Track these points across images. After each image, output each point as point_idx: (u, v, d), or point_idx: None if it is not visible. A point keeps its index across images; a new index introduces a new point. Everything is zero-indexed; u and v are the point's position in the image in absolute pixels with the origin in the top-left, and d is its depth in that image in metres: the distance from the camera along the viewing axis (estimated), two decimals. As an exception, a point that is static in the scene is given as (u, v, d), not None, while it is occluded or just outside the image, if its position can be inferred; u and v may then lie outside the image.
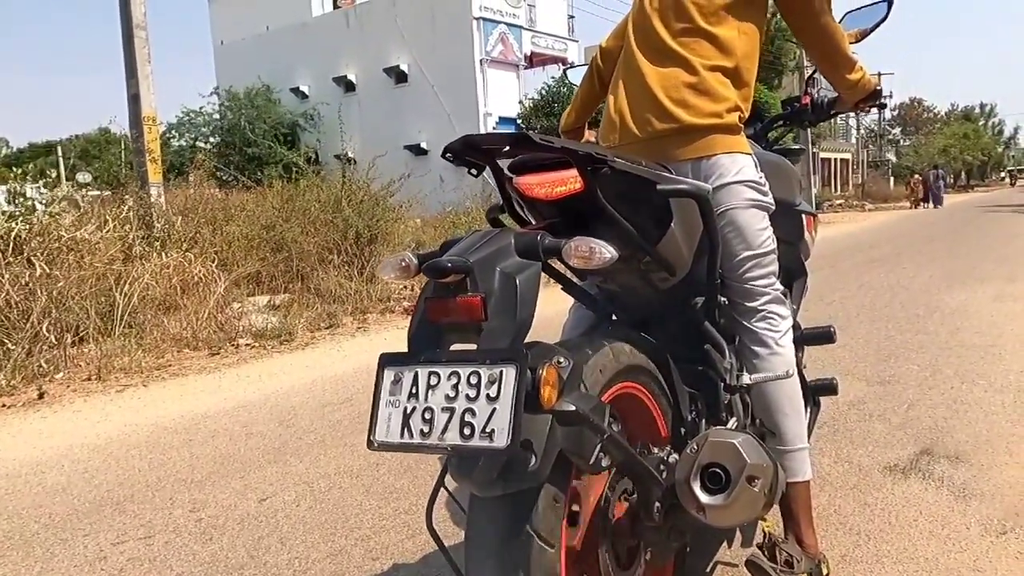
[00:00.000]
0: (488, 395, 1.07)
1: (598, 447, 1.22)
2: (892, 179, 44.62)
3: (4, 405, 4.51)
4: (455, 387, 1.10)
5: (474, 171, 1.45)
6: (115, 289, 6.20)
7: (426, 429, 1.11)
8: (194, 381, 4.86)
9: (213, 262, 7.25)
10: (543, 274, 1.69)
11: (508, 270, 1.16)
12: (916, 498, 2.38)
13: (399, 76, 24.29)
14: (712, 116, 1.68)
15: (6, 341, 5.35)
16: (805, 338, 2.15)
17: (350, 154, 12.99)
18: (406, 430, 1.12)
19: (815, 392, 2.21)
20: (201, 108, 24.78)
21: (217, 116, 24.63)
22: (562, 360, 1.26)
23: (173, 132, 24.64)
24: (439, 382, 1.12)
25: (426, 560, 2.12)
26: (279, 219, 8.40)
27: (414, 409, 1.13)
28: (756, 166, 1.75)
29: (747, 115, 1.78)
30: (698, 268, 1.68)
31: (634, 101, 1.76)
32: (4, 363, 5.14)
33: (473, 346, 1.15)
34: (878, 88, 2.02)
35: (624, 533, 1.45)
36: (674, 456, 1.47)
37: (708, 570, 2.01)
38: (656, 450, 1.49)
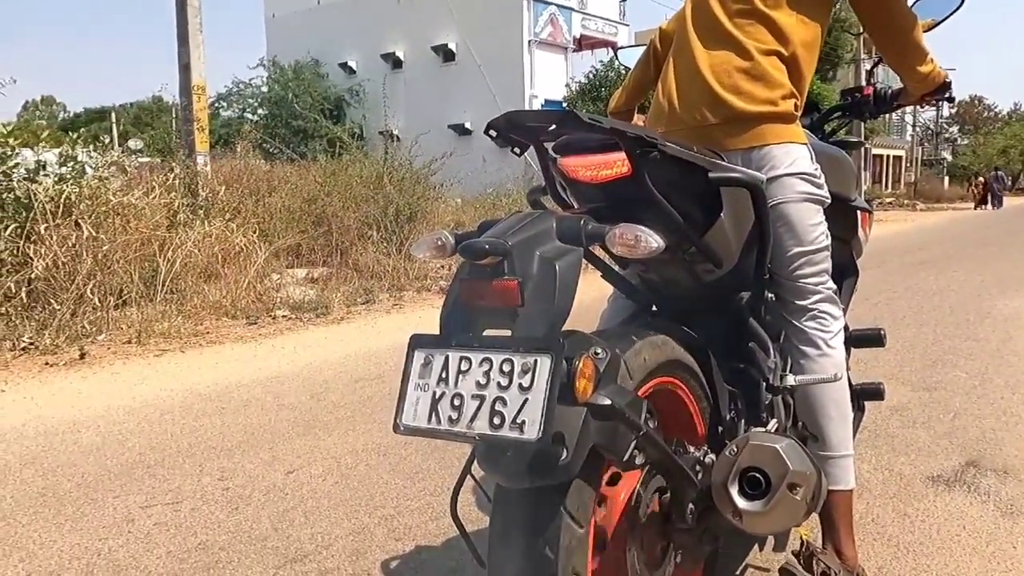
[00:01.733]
0: (520, 384, 1.03)
1: (633, 444, 1.17)
2: (947, 179, 43.37)
3: (47, 363, 4.59)
4: (486, 374, 1.06)
5: (517, 150, 1.39)
6: (159, 255, 6.29)
7: (454, 416, 1.06)
8: (230, 349, 4.90)
9: (254, 233, 7.31)
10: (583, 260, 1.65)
11: (548, 255, 1.11)
12: (960, 512, 2.29)
13: (446, 54, 24.21)
14: (765, 103, 1.60)
15: (52, 301, 5.46)
16: (853, 340, 2.07)
17: (394, 131, 12.99)
18: (434, 415, 1.08)
19: (860, 397, 2.13)
20: (251, 80, 25.03)
21: (265, 88, 24.84)
22: (599, 351, 1.20)
23: (221, 102, 24.92)
24: (470, 368, 1.07)
25: (448, 544, 2.09)
26: (321, 193, 8.44)
27: (443, 394, 1.08)
28: (811, 157, 1.67)
29: (803, 104, 1.69)
30: (745, 262, 1.61)
31: (683, 86, 1.68)
32: (49, 322, 5.25)
33: (507, 332, 1.10)
34: (947, 81, 1.91)
35: (655, 533, 1.40)
36: (711, 456, 1.41)
37: (738, 573, 1.95)
38: (692, 449, 1.43)
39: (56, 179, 6.39)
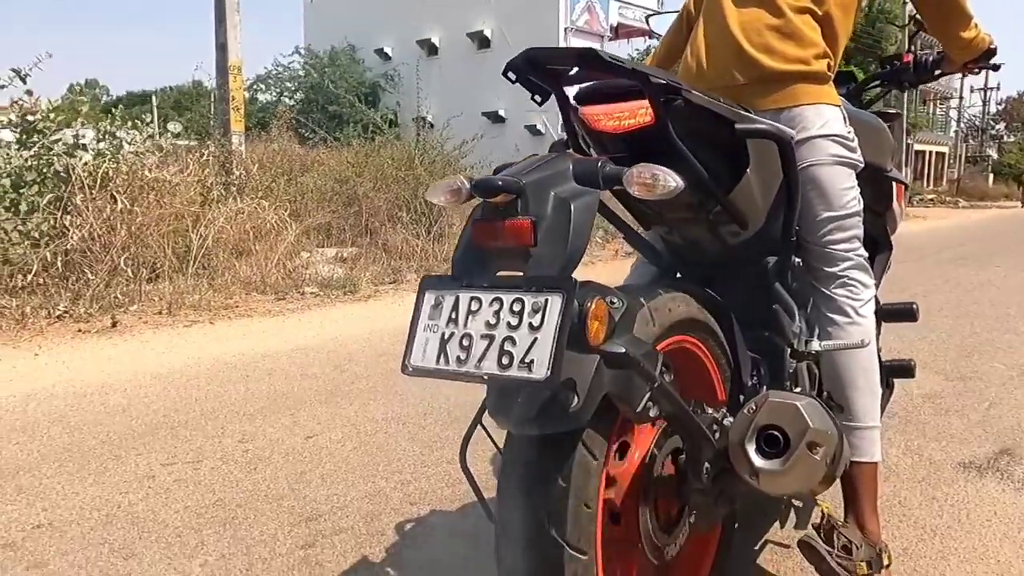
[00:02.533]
0: (531, 324, 1.00)
1: (647, 395, 1.13)
2: (991, 176, 42.28)
3: (80, 331, 4.67)
4: (496, 314, 1.03)
5: (538, 97, 1.36)
6: (191, 230, 6.37)
7: (463, 356, 1.04)
8: (258, 322, 4.95)
9: (286, 211, 7.37)
10: (607, 225, 1.61)
11: (563, 195, 1.08)
12: (991, 498, 2.22)
13: (482, 41, 24.12)
14: (797, 62, 1.55)
15: (87, 272, 5.56)
16: (884, 314, 2.00)
17: (428, 117, 12.98)
18: (442, 356, 1.06)
19: (890, 373, 2.06)
20: (289, 63, 25.21)
21: (302, 73, 25.00)
22: (615, 300, 1.17)
23: (260, 84, 25.13)
24: (480, 308, 1.05)
25: (464, 510, 2.08)
26: (352, 174, 8.47)
27: (452, 335, 1.06)
28: (844, 119, 1.61)
29: (836, 66, 1.64)
30: (772, 224, 1.56)
31: (713, 46, 1.64)
32: (84, 292, 5.34)
33: (520, 273, 1.08)
34: (992, 47, 1.84)
35: (669, 494, 1.37)
36: (729, 419, 1.37)
37: (756, 548, 1.91)
38: (711, 410, 1.40)
39: (95, 154, 6.51)
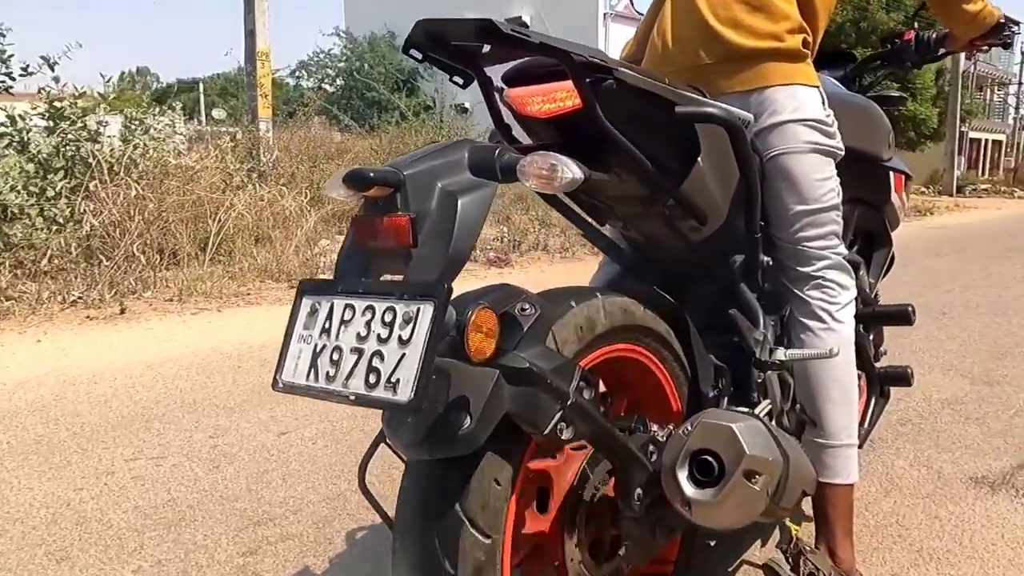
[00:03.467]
0: (400, 337, 0.87)
1: (557, 415, 1.00)
2: (1051, 166, 40.61)
3: (88, 317, 4.68)
4: (368, 324, 0.91)
5: (459, 79, 1.23)
6: (209, 217, 6.36)
7: (332, 372, 0.92)
8: (265, 311, 4.90)
9: (306, 198, 7.33)
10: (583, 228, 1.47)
11: (450, 188, 0.95)
12: (1000, 518, 2.03)
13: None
14: (768, 38, 1.39)
15: (102, 257, 5.58)
16: (878, 316, 1.83)
17: (466, 104, 12.83)
18: (313, 371, 0.94)
19: (884, 381, 1.89)
20: (329, 50, 25.27)
21: (342, 60, 25.05)
22: (526, 308, 1.04)
23: (302, 71, 25.26)
24: (353, 317, 0.93)
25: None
26: (376, 161, 8.40)
27: (324, 347, 0.94)
28: (823, 102, 1.44)
29: (816, 43, 1.47)
30: (735, 219, 1.41)
31: (678, 22, 1.48)
32: (99, 277, 5.36)
33: (401, 277, 0.95)
34: (1001, 21, 1.65)
35: (603, 522, 1.23)
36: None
37: (731, 570, 1.76)
38: (654, 428, 1.26)
39: (122, 140, 6.56)
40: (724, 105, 1.25)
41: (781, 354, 1.38)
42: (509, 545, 1.05)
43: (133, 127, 6.91)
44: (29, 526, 1.91)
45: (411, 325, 0.87)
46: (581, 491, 1.21)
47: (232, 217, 6.48)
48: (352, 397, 0.89)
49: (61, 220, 5.83)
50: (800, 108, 1.41)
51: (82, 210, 5.78)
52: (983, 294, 5.67)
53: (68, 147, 6.22)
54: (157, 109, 7.54)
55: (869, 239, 1.91)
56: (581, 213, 1.55)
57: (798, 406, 1.51)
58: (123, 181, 6.02)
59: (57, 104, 6.30)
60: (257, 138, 8.25)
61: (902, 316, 1.80)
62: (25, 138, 6.15)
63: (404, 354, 0.86)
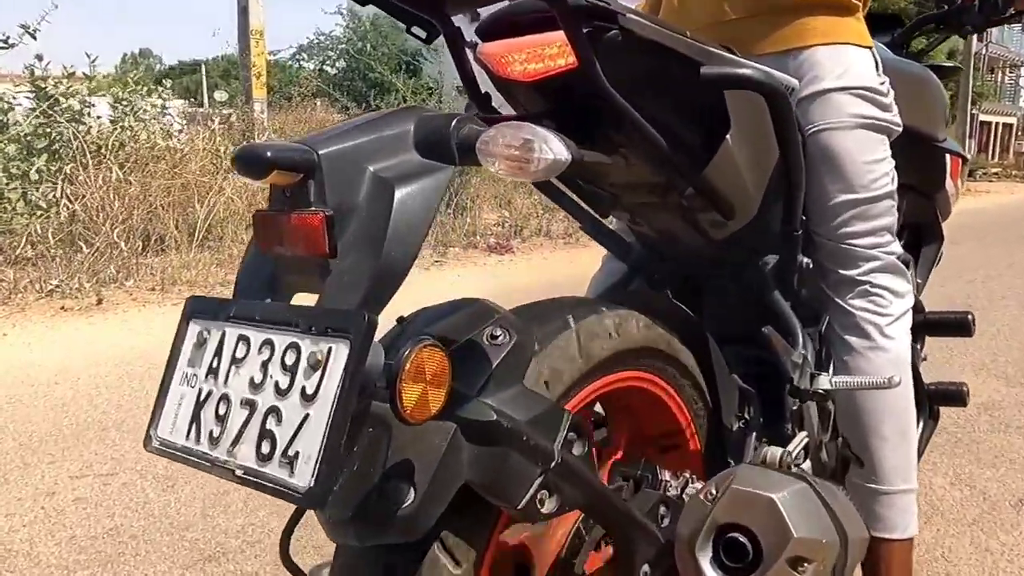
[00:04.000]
0: (303, 390, 0.61)
1: (536, 482, 0.73)
2: (1063, 150, 39.97)
3: (63, 308, 4.43)
4: (263, 367, 0.64)
5: (419, 31, 0.95)
6: (196, 201, 6.10)
7: (216, 431, 0.66)
8: (250, 301, 4.64)
9: (299, 180, 7.07)
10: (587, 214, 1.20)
11: (385, 174, 0.67)
12: (1062, 552, 1.76)
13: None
14: None
15: (82, 245, 5.32)
16: (929, 325, 1.55)
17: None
18: (194, 428, 0.68)
19: (933, 400, 1.61)
20: (330, 31, 24.88)
21: (343, 40, 24.66)
22: (497, 334, 0.77)
23: (303, 54, 24.90)
24: (246, 355, 0.66)
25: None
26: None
27: (210, 395, 0.68)
28: (876, 66, 1.17)
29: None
30: (769, 211, 1.14)
31: None
32: (81, 266, 5.10)
33: (315, 299, 0.68)
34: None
35: (600, 597, 0.97)
36: (692, 488, 0.97)
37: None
38: (667, 477, 0.99)
39: (110, 121, 6.30)
40: (763, 67, 0.96)
41: (825, 382, 1.10)
42: None
43: (121, 107, 6.63)
44: (-59, 563, 1.66)
45: (318, 373, 0.60)
46: (571, 564, 0.94)
47: (222, 201, 6.23)
48: (239, 472, 0.62)
49: (44, 204, 5.58)
50: (848, 73, 1.13)
51: (61, 194, 5.52)
52: (1008, 284, 5.38)
53: (52, 128, 5.95)
54: (145, 89, 7.25)
55: (916, 232, 1.63)
56: (580, 203, 1.28)
57: (840, 439, 1.24)
58: (105, 164, 5.76)
59: (40, 84, 6.03)
60: (252, 120, 7.99)
61: (961, 326, 1.52)
62: (6, 119, 5.87)
63: (307, 415, 0.59)
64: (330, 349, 0.60)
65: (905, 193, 1.49)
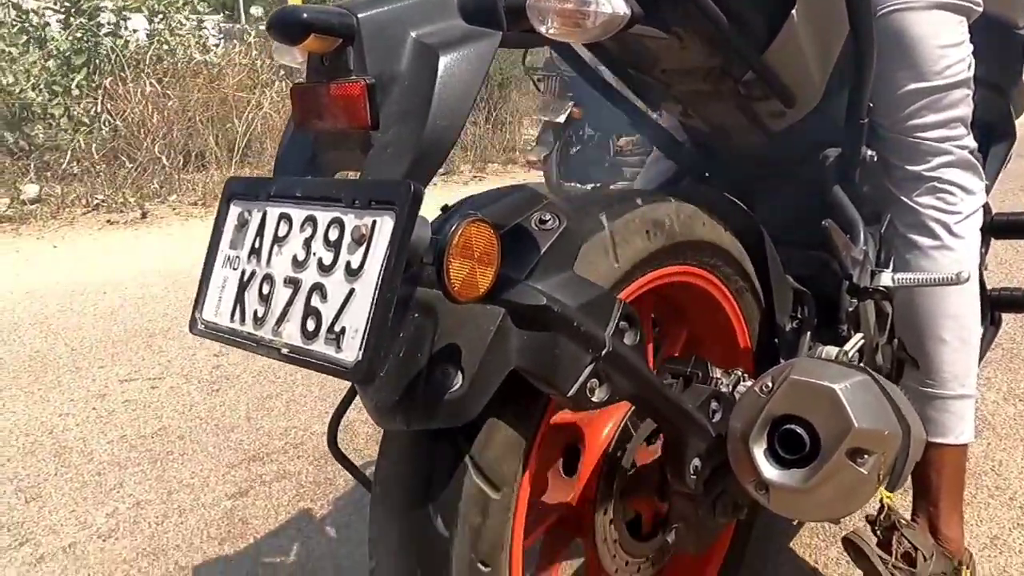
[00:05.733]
0: (348, 265, 0.58)
1: (587, 369, 0.71)
2: None
3: (109, 222, 4.50)
4: (306, 244, 0.62)
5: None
6: (234, 115, 6.07)
7: (261, 311, 0.64)
8: (290, 216, 4.66)
9: (335, 95, 6.98)
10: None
11: (430, 40, 0.63)
12: (1119, 466, 1.72)
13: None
14: None
15: (124, 160, 5.36)
16: (996, 228, 1.47)
17: None
18: (238, 309, 0.66)
19: (996, 306, 1.55)
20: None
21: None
22: (547, 218, 0.74)
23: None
24: (288, 233, 0.64)
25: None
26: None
27: (253, 275, 0.66)
28: None
29: None
30: (834, 100, 1.07)
31: None
32: (125, 181, 5.16)
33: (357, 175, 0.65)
34: None
35: (646, 492, 0.96)
36: (743, 385, 0.94)
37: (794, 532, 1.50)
38: (718, 374, 0.96)
39: (148, 33, 6.25)
40: None
41: (887, 278, 1.06)
42: (524, 509, 0.78)
43: (156, 21, 6.56)
44: (4, 456, 1.72)
45: (363, 248, 0.57)
46: (620, 454, 0.93)
47: (260, 116, 6.20)
48: (285, 350, 0.61)
49: (86, 120, 5.61)
50: None
51: (102, 109, 5.53)
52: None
53: (88, 42, 5.91)
54: (181, 1, 7.14)
55: (986, 129, 1.53)
56: (628, 95, 1.22)
57: (896, 340, 1.20)
58: (143, 79, 5.73)
59: (69, -1, 5.97)
60: (287, 31, 7.85)
61: (1030, 228, 1.44)
62: (43, 34, 5.85)
63: (353, 291, 0.57)
64: (374, 222, 0.57)
65: (976, 85, 1.39)
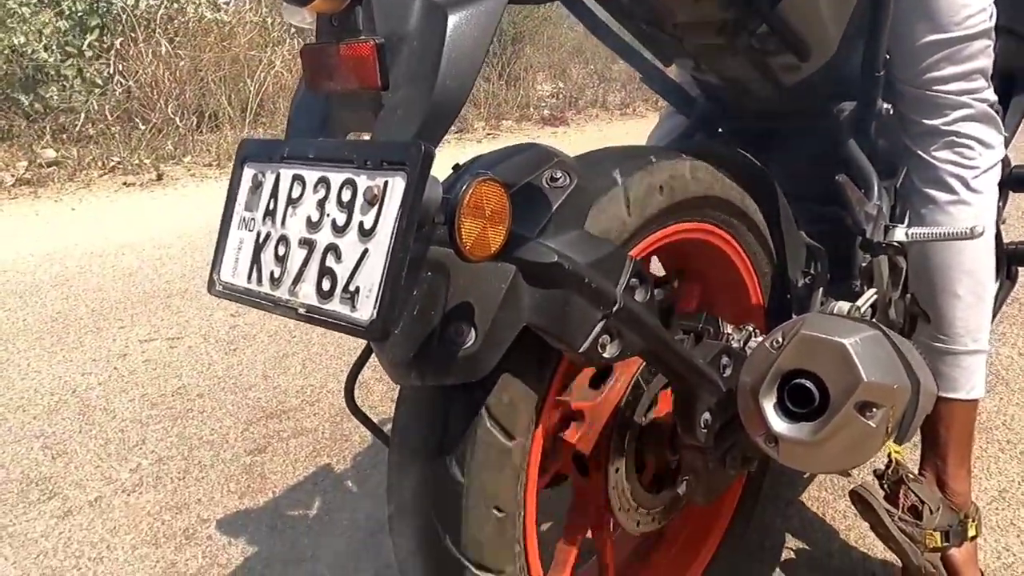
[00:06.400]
0: (361, 225, 0.59)
1: (598, 326, 0.72)
2: None
3: (125, 184, 4.53)
4: (320, 205, 0.62)
5: None
6: (246, 75, 6.04)
7: (277, 272, 0.65)
8: (305, 175, 4.66)
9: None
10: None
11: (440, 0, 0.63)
12: None
13: None
14: None
15: (139, 122, 5.36)
16: (1016, 181, 1.45)
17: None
18: (255, 270, 0.67)
19: (1012, 260, 1.54)
20: None
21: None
22: (558, 176, 0.75)
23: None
24: (302, 195, 0.64)
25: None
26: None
27: (268, 236, 0.67)
28: None
29: None
30: (849, 52, 1.06)
31: None
32: (140, 143, 5.17)
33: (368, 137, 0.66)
34: None
35: (656, 445, 0.98)
36: (755, 341, 0.95)
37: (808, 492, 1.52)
38: (729, 329, 0.97)
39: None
40: None
41: (901, 233, 1.05)
42: (537, 458, 0.80)
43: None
44: (30, 415, 1.77)
45: (376, 208, 0.58)
46: (632, 407, 0.94)
47: (271, 76, 6.16)
48: (301, 310, 0.62)
49: (100, 81, 5.60)
50: None
51: (115, 70, 5.52)
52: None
53: (101, 3, 5.87)
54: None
55: (1008, 80, 1.51)
56: (641, 50, 1.21)
57: (908, 295, 1.20)
58: (155, 39, 5.70)
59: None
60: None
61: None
62: (57, -7, 5.81)
63: (366, 251, 0.58)
64: (386, 183, 0.57)
65: (998, 35, 1.37)
